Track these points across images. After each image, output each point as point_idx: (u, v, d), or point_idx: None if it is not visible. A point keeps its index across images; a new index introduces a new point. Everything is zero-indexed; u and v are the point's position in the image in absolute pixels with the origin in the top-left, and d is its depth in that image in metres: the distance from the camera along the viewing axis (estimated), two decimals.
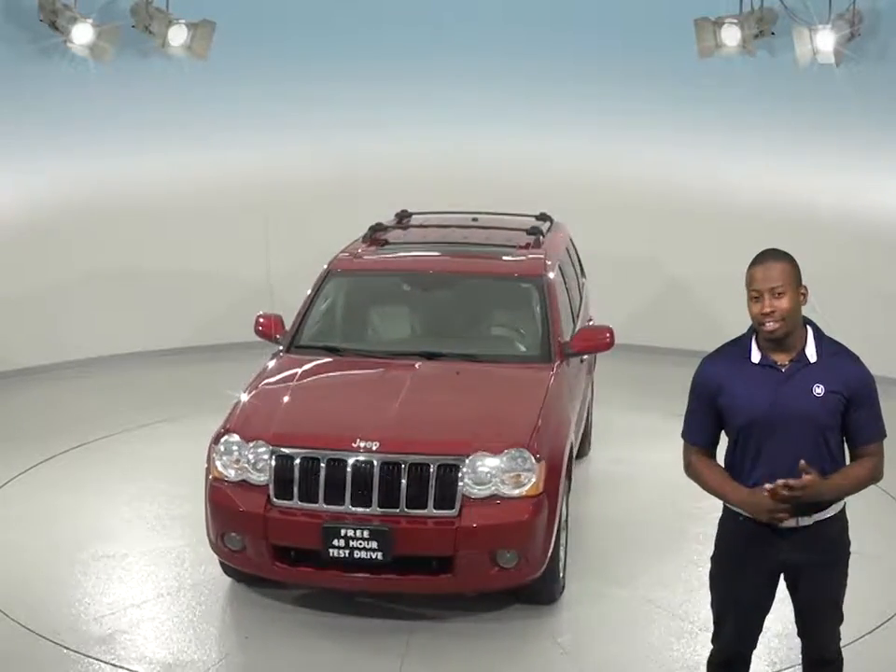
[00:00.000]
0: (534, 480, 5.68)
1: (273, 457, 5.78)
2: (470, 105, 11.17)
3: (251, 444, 5.86)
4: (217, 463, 5.95)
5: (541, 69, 11.00)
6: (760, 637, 4.34)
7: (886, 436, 4.17)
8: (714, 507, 4.39)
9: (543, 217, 8.45)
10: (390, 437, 5.77)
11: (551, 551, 5.82)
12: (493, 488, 5.64)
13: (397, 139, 11.16)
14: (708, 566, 4.34)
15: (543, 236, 7.80)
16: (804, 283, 4.09)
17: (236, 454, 5.90)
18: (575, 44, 10.88)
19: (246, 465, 5.85)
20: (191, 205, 11.02)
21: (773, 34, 10.09)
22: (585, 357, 7.44)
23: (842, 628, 4.32)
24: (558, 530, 5.91)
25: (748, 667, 4.39)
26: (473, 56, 10.93)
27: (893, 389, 9.82)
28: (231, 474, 5.89)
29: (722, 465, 4.23)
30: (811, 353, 4.08)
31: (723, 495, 4.17)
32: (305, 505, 5.71)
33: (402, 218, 8.34)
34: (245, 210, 11.18)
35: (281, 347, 7.01)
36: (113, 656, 5.60)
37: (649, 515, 7.40)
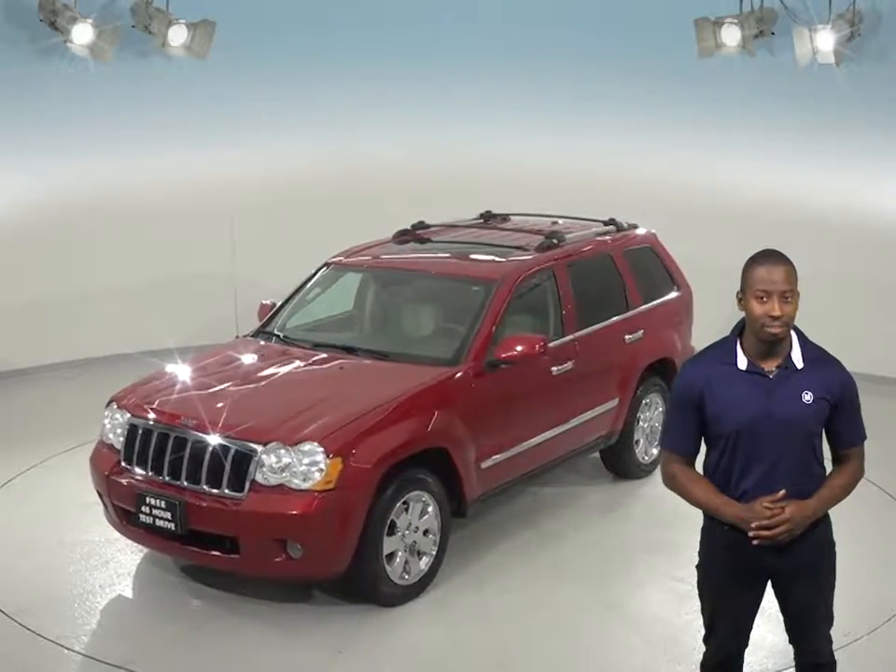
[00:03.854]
0: (322, 475, 5.76)
1: (128, 425, 6.32)
2: (470, 105, 11.18)
3: (123, 411, 6.43)
4: (104, 426, 6.54)
5: (541, 69, 11.00)
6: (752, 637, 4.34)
7: (866, 438, 4.16)
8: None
9: (610, 223, 8.26)
10: (206, 418, 6.08)
11: (352, 549, 5.86)
12: (283, 478, 5.81)
13: (396, 139, 11.16)
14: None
15: (559, 241, 7.60)
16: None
17: (116, 419, 6.45)
18: (575, 44, 10.88)
19: (119, 430, 6.40)
20: (191, 205, 11.03)
21: (773, 34, 10.09)
22: (568, 367, 7.18)
23: (840, 629, 4.31)
24: (372, 531, 5.90)
25: (741, 666, 4.38)
26: (473, 56, 10.93)
27: (893, 389, 9.88)
28: (109, 438, 6.48)
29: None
30: (797, 358, 4.03)
31: (714, 509, 4.08)
32: (138, 471, 6.19)
33: (487, 219, 8.49)
34: (244, 210, 11.17)
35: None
36: None
37: (599, 553, 6.97)
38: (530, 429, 7.03)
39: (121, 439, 6.33)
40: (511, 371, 6.77)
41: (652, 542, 7.06)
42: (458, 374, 6.56)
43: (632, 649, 5.80)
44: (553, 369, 7.12)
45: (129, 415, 6.36)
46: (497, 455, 6.73)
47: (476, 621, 6.09)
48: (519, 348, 6.67)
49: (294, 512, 5.74)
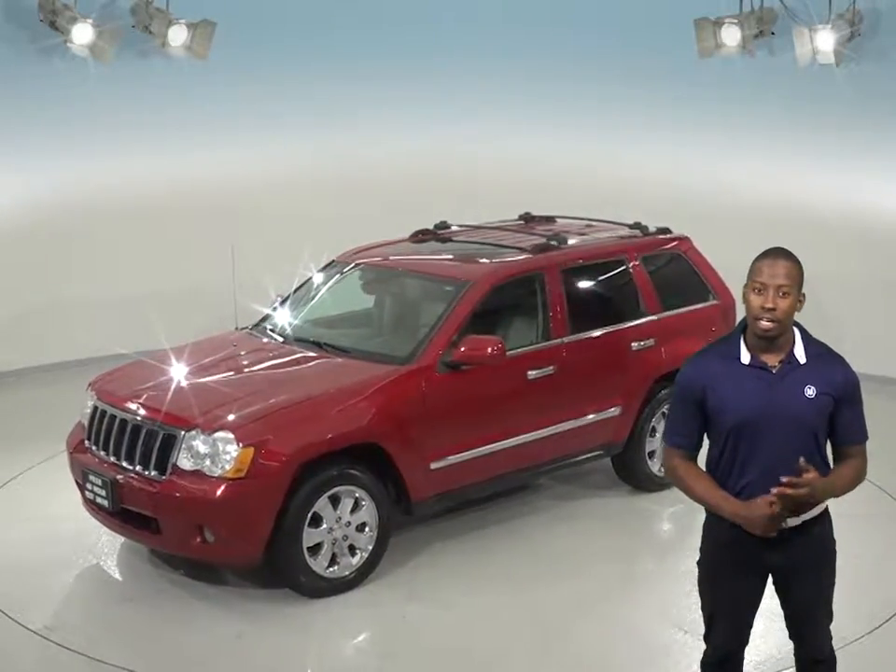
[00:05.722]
0: (233, 463, 5.93)
1: (92, 407, 6.69)
2: (470, 105, 11.17)
3: (93, 394, 6.79)
4: (84, 407, 6.82)
5: (541, 69, 11.00)
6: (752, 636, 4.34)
7: (868, 438, 4.17)
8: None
9: (635, 227, 8.11)
10: (144, 403, 6.41)
11: (263, 538, 5.99)
12: (200, 464, 6.03)
13: (396, 139, 11.16)
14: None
15: (558, 243, 7.50)
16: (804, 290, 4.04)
17: (88, 401, 6.80)
18: (575, 44, 10.88)
19: (87, 410, 6.75)
20: (191, 205, 11.02)
21: (773, 34, 10.08)
22: (548, 371, 7.02)
23: (840, 629, 4.31)
24: (289, 522, 6.00)
25: (741, 664, 4.39)
26: (473, 56, 10.93)
27: (893, 389, 9.87)
28: (83, 417, 6.81)
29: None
30: (800, 354, 4.05)
31: (715, 505, 4.10)
32: (92, 449, 6.55)
33: (527, 221, 8.52)
34: (244, 210, 11.18)
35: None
36: None
37: (564, 564, 6.74)
38: (495, 433, 6.86)
39: (88, 419, 6.68)
40: (473, 372, 6.68)
41: (633, 558, 6.86)
42: (407, 373, 6.54)
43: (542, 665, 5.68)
44: (530, 373, 6.98)
45: (95, 398, 6.71)
46: (452, 457, 6.64)
47: (393, 621, 6.09)
48: (473, 349, 6.60)
49: (203, 497, 5.95)
